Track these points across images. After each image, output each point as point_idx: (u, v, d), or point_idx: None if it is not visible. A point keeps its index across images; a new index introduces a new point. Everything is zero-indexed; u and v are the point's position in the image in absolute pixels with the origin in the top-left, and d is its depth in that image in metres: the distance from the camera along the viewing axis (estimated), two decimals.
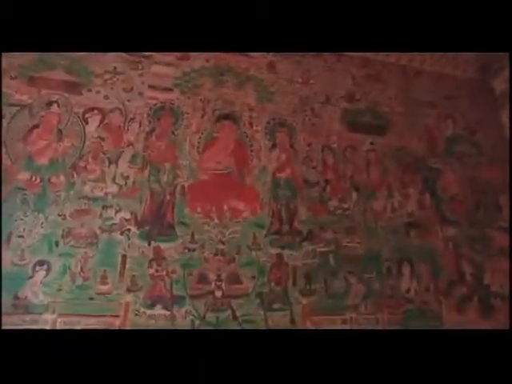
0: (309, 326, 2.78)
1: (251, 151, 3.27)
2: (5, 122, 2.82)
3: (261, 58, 3.63)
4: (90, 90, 3.10)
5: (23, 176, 2.74)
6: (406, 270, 3.16)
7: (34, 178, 2.75)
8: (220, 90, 3.41)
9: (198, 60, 3.45)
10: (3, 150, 2.75)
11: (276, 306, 2.79)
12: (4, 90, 2.90)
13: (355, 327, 2.86)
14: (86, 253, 2.63)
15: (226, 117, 3.32)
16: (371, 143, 3.62)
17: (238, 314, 2.70)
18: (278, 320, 2.76)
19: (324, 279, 2.96)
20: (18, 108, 2.89)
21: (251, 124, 3.36)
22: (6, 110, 2.85)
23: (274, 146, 3.34)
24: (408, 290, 3.10)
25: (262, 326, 2.71)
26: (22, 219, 2.62)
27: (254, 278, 2.83)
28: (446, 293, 3.16)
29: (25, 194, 2.69)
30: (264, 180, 3.19)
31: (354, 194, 3.36)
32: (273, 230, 3.02)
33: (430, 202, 3.51)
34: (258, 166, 3.22)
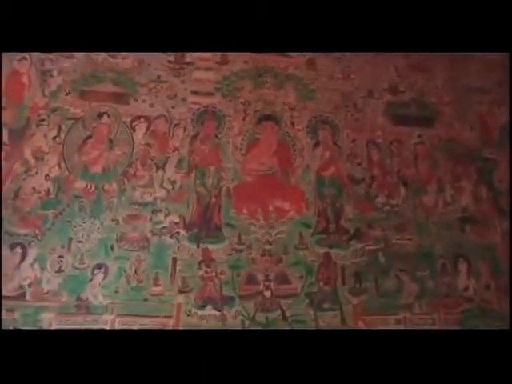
0: (361, 325, 2.72)
1: (294, 150, 3.25)
2: (62, 135, 3.01)
3: (299, 57, 3.58)
4: (136, 100, 3.23)
5: (80, 185, 2.90)
6: (463, 267, 3.00)
7: (89, 186, 2.90)
8: (260, 91, 3.42)
9: (237, 63, 3.48)
10: (62, 162, 2.94)
11: (326, 305, 2.75)
12: (60, 105, 3.10)
13: (409, 327, 2.76)
14: (138, 256, 2.73)
15: (268, 117, 3.33)
16: (418, 136, 3.47)
17: (287, 314, 2.69)
18: (329, 320, 2.72)
19: (374, 278, 2.88)
20: (72, 121, 3.07)
21: (293, 123, 3.34)
22: (63, 124, 3.04)
23: (316, 144, 3.30)
24: (466, 289, 2.94)
25: (312, 326, 2.68)
26: (80, 225, 2.77)
27: (302, 277, 2.82)
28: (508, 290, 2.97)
29: (81, 202, 2.84)
30: (308, 179, 3.16)
31: (403, 190, 3.24)
32: (319, 229, 2.99)
33: (486, 195, 3.31)
34: (301, 165, 3.20)
